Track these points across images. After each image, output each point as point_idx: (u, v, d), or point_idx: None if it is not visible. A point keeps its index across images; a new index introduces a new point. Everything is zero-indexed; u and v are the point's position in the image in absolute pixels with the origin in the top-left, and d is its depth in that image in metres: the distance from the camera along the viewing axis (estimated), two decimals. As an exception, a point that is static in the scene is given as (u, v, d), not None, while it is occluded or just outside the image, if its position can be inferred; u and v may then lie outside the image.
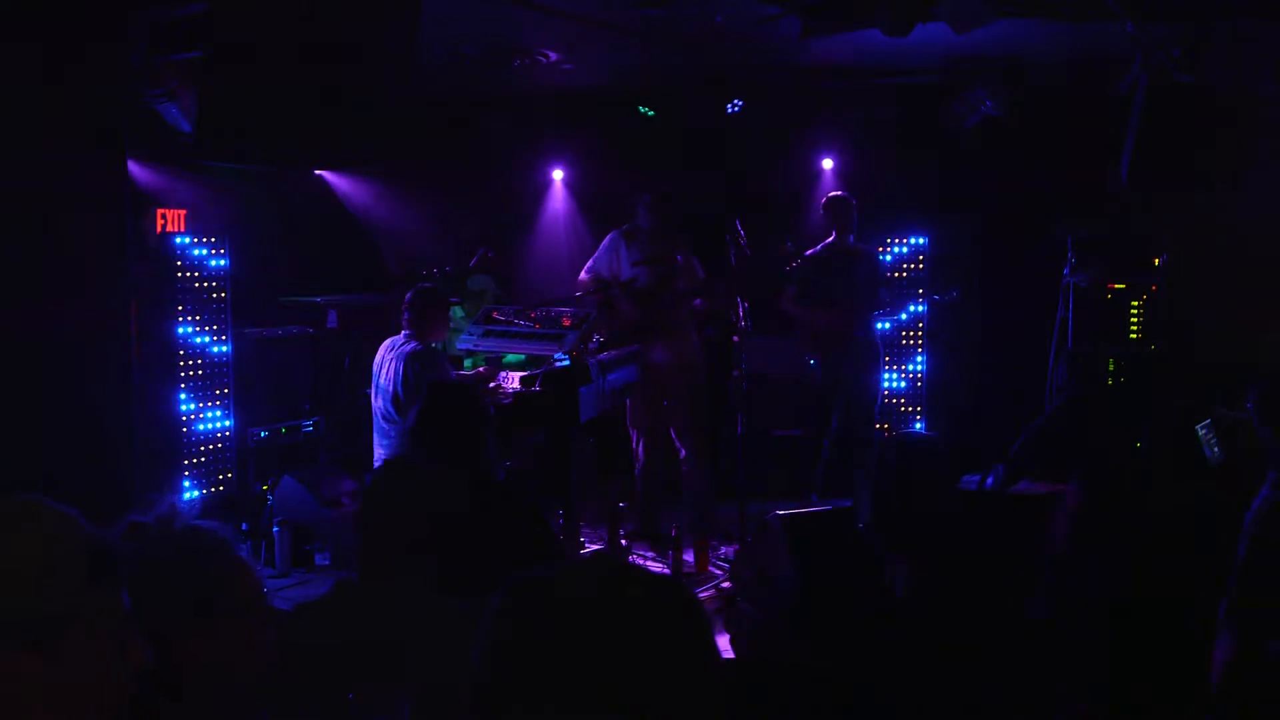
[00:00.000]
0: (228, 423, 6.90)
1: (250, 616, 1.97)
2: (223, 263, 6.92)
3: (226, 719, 1.97)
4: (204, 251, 6.82)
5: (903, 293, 8.31)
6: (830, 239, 7.46)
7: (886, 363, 8.31)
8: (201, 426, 6.79)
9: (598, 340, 6.60)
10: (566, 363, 6.08)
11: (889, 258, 8.34)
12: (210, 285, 6.85)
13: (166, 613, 1.89)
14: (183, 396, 6.69)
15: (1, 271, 4.39)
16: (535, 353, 6.40)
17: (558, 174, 9.49)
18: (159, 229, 6.96)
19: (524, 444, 6.37)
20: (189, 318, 6.74)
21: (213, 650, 1.92)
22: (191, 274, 6.76)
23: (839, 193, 7.63)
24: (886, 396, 8.34)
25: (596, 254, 7.07)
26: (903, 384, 8.51)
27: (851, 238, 7.47)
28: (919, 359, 8.51)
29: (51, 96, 4.40)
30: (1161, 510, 3.62)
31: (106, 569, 1.50)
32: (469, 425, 3.88)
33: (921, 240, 8.45)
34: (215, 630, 1.92)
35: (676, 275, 6.92)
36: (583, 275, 7.10)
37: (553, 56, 7.01)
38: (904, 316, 8.40)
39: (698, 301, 7.01)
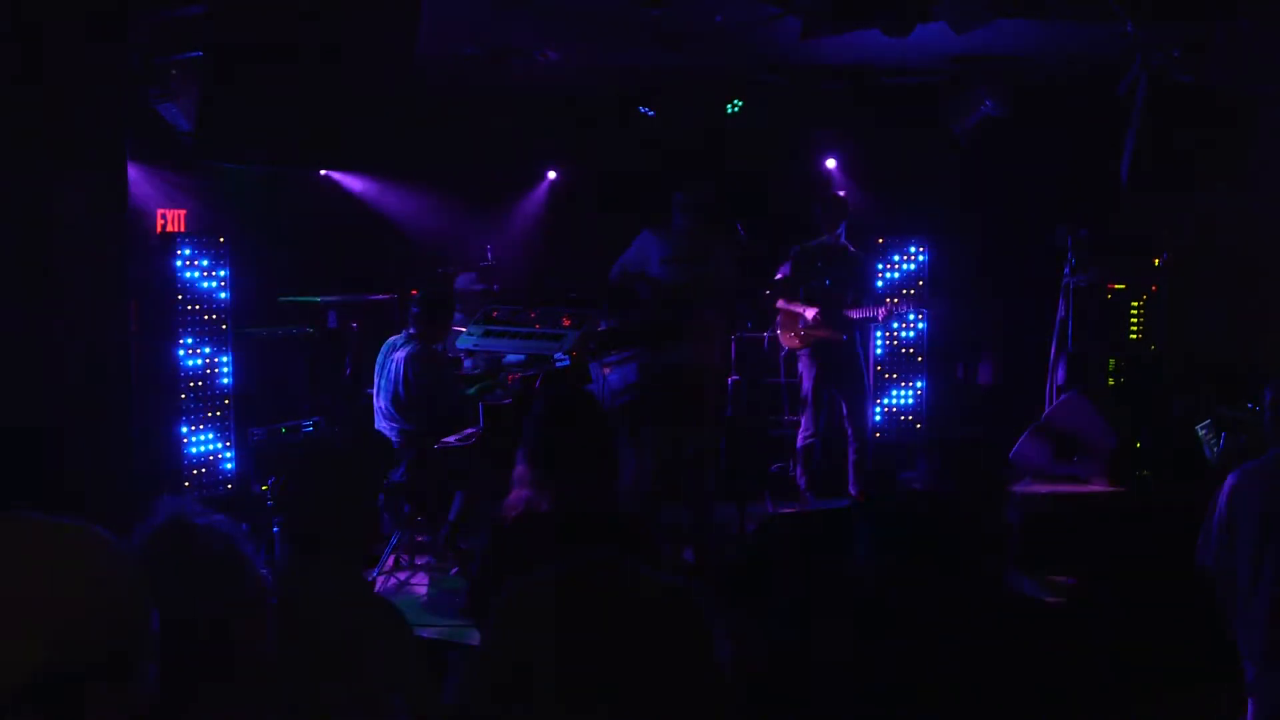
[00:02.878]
0: (227, 421, 6.89)
1: (259, 613, 1.98)
2: (222, 263, 6.91)
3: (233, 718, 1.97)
4: (203, 252, 6.81)
5: (901, 297, 8.28)
6: (824, 235, 7.45)
7: (888, 368, 8.34)
8: (200, 429, 6.79)
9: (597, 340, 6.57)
10: (566, 363, 6.07)
11: (888, 259, 8.34)
12: (210, 285, 6.84)
13: (184, 615, 1.89)
14: (182, 396, 6.68)
15: (1, 271, 4.38)
16: (535, 353, 6.38)
17: (551, 174, 9.52)
18: (159, 229, 6.95)
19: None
20: (189, 317, 6.73)
21: (226, 649, 1.92)
22: (191, 274, 6.75)
23: (831, 192, 7.63)
24: (887, 396, 8.35)
25: (628, 250, 6.90)
26: (903, 382, 8.50)
27: (842, 236, 7.45)
28: (919, 358, 8.50)
29: (52, 96, 4.39)
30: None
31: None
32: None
33: (921, 241, 8.44)
34: (230, 629, 1.93)
35: (706, 278, 6.78)
36: (613, 271, 6.95)
37: (552, 56, 7.00)
38: (896, 325, 8.36)
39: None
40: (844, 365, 7.44)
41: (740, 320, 7.62)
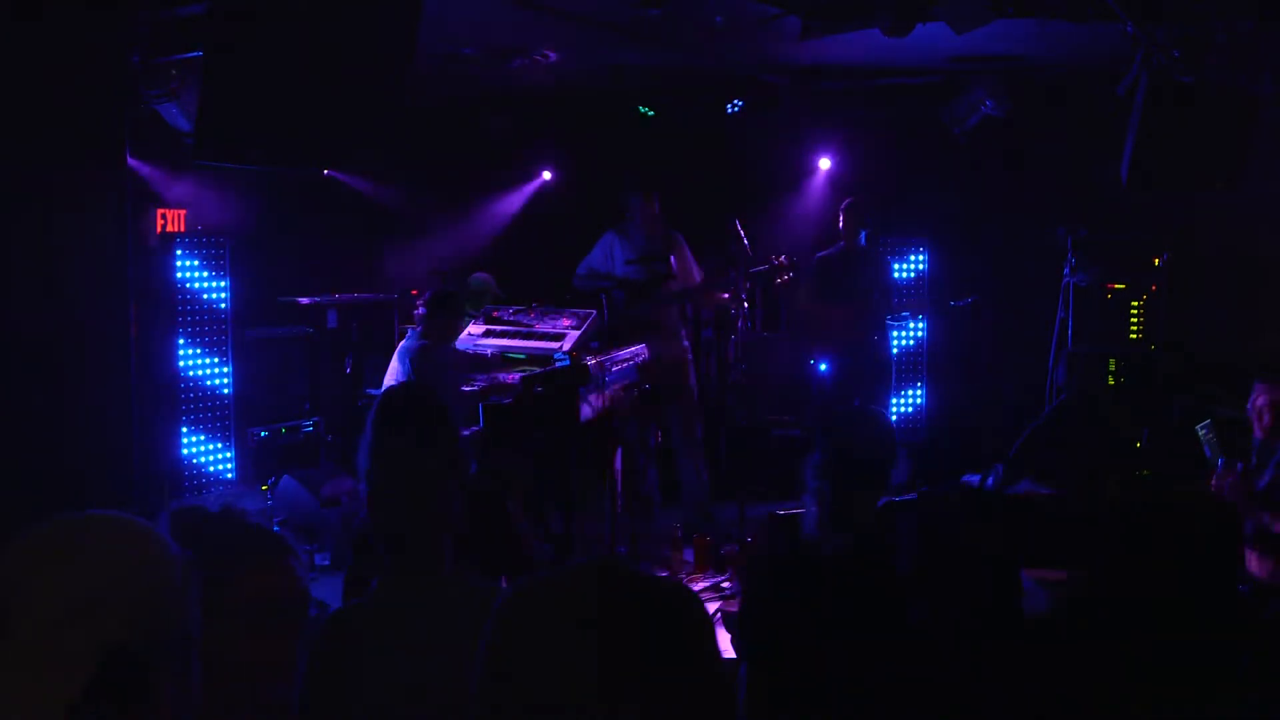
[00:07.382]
0: (228, 408, 6.90)
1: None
2: (222, 263, 6.92)
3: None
4: (204, 251, 6.81)
5: (909, 298, 8.27)
6: (844, 241, 7.49)
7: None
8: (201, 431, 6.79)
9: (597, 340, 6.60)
10: (566, 363, 6.08)
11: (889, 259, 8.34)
12: (210, 285, 6.84)
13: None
14: (182, 388, 6.68)
15: (1, 271, 4.38)
16: (535, 352, 6.40)
17: (546, 174, 9.54)
18: (159, 229, 6.95)
19: (524, 445, 6.36)
20: (188, 317, 6.73)
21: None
22: (191, 274, 6.76)
23: (851, 199, 7.64)
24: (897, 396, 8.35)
25: (592, 252, 7.06)
26: (903, 382, 8.51)
27: (864, 240, 7.49)
28: (919, 359, 8.50)
29: (51, 96, 4.39)
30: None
31: None
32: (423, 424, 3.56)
33: (921, 241, 8.45)
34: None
35: (669, 275, 6.92)
36: (578, 273, 7.08)
37: (552, 56, 7.01)
38: (916, 322, 8.37)
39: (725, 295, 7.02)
40: (872, 367, 7.47)
41: (733, 319, 7.64)
